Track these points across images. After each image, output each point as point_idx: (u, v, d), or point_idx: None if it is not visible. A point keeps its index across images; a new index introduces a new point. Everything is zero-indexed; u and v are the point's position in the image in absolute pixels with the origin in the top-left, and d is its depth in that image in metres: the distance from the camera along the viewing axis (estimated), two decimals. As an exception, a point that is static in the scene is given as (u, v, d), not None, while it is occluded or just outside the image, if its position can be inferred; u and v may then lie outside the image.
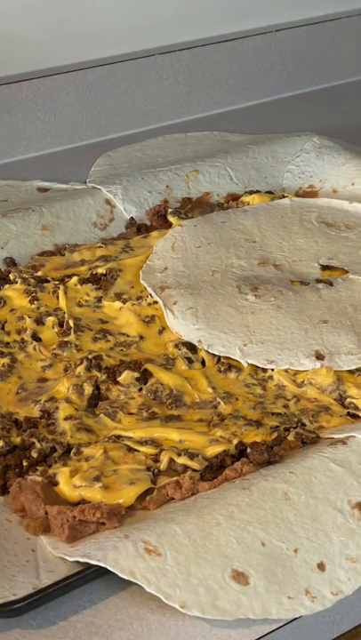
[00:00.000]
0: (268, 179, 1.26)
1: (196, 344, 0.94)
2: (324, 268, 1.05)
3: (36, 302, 0.99)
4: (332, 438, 0.83)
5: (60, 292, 1.00)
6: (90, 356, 0.92)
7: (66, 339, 0.95)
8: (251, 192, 1.21)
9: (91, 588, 0.71)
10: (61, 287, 1.01)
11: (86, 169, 1.28)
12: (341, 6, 1.59)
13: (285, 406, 0.88)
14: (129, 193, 1.19)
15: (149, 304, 1.00)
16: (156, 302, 0.99)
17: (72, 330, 0.96)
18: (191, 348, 0.94)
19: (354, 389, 0.90)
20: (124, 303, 1.00)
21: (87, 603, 0.70)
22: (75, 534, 0.74)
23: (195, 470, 0.80)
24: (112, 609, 0.70)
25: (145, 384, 0.90)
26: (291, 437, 0.84)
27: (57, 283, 1.02)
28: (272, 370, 0.91)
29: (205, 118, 1.48)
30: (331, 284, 1.02)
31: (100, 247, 1.10)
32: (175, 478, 0.79)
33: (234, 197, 1.22)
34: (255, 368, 0.92)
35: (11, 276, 1.03)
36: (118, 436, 0.83)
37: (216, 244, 1.08)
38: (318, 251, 1.08)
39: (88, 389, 0.88)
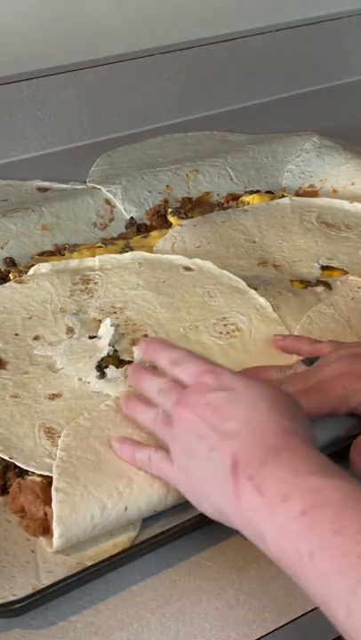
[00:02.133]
0: (268, 178, 1.26)
1: (196, 344, 0.94)
2: (324, 268, 1.05)
3: (35, 302, 0.99)
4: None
5: (60, 292, 1.00)
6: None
7: (66, 339, 0.95)
8: (251, 192, 1.21)
9: (91, 588, 0.71)
10: (61, 287, 1.01)
11: (86, 169, 1.28)
12: (341, 6, 1.59)
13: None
14: (129, 193, 1.19)
15: (150, 304, 1.00)
16: (156, 302, 0.99)
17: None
18: (191, 348, 0.94)
19: (354, 389, 0.89)
20: (124, 303, 1.00)
21: (87, 603, 0.70)
22: (74, 534, 0.74)
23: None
24: (112, 609, 0.70)
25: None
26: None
27: (57, 283, 1.02)
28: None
29: (205, 118, 1.48)
30: (330, 284, 1.01)
31: (100, 247, 1.10)
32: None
33: (234, 197, 1.22)
34: (255, 368, 0.92)
35: (11, 276, 1.03)
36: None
37: (216, 244, 1.08)
38: (318, 251, 1.07)
39: (88, 389, 0.88)
